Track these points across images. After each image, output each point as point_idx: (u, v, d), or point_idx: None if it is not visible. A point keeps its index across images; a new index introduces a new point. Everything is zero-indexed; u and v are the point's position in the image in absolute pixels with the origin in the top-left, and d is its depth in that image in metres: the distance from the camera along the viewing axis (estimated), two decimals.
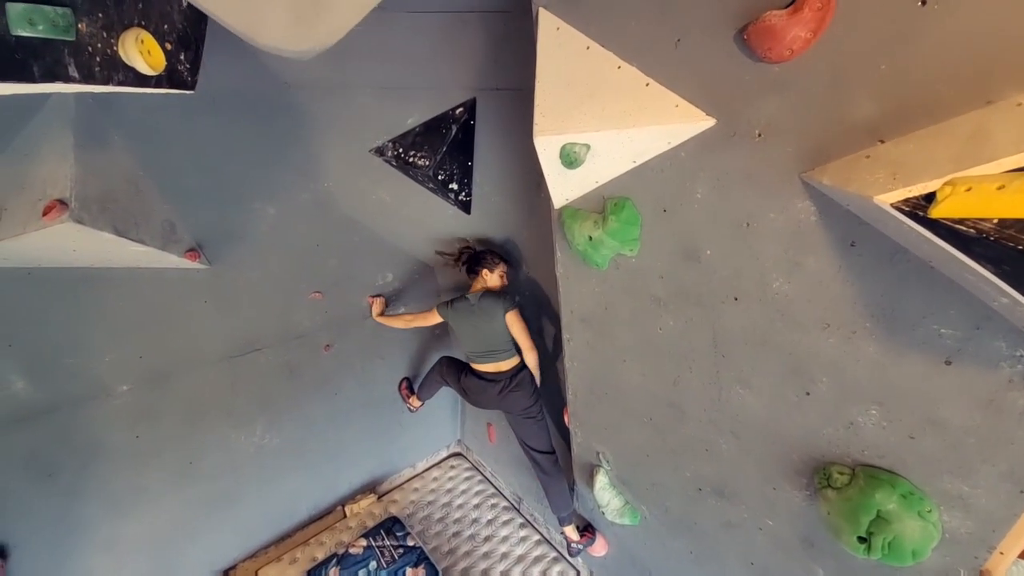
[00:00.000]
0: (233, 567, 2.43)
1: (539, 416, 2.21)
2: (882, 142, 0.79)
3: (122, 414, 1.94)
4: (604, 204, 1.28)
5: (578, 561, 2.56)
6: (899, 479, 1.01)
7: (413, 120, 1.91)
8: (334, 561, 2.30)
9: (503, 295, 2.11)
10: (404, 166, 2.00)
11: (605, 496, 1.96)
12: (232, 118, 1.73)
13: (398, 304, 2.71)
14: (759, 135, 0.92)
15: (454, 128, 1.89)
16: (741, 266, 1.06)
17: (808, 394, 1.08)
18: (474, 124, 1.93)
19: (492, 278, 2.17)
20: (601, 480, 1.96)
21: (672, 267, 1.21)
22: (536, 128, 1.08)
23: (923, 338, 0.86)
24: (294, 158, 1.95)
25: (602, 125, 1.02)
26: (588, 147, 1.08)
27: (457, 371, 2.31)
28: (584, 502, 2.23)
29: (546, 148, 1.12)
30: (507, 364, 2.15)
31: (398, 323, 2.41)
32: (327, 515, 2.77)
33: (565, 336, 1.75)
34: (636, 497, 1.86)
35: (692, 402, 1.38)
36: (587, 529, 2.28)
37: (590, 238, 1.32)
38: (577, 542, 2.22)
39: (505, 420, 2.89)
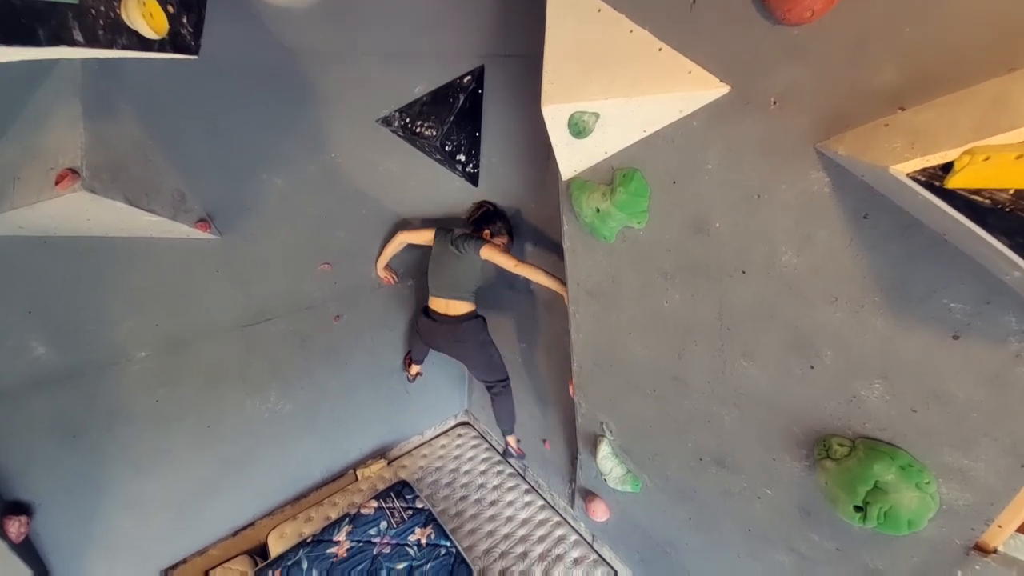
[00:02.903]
0: (251, 524, 2.55)
1: (488, 357, 2.32)
2: (902, 110, 0.76)
3: (142, 379, 2.01)
4: (613, 175, 1.26)
5: (581, 525, 2.65)
6: (899, 451, 1.02)
7: (420, 89, 1.87)
8: (347, 520, 2.41)
9: (478, 236, 2.13)
10: (411, 136, 1.97)
11: (607, 464, 2.01)
12: (237, 87, 1.71)
13: (406, 277, 2.73)
14: (774, 103, 0.89)
15: (461, 97, 1.85)
16: (750, 239, 1.05)
17: (812, 368, 1.09)
18: (482, 93, 1.89)
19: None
20: (604, 449, 2.01)
21: (680, 240, 1.20)
22: (544, 96, 1.06)
23: (932, 312, 0.85)
24: (300, 128, 1.93)
25: (612, 93, 1.00)
26: (597, 116, 1.06)
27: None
28: (587, 469, 2.29)
29: (554, 117, 1.09)
30: (457, 307, 2.21)
31: (392, 247, 2.43)
32: (340, 478, 2.88)
33: (571, 309, 1.76)
34: (638, 465, 1.91)
35: (696, 375, 1.39)
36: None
37: (598, 210, 1.31)
38: (515, 449, 2.74)
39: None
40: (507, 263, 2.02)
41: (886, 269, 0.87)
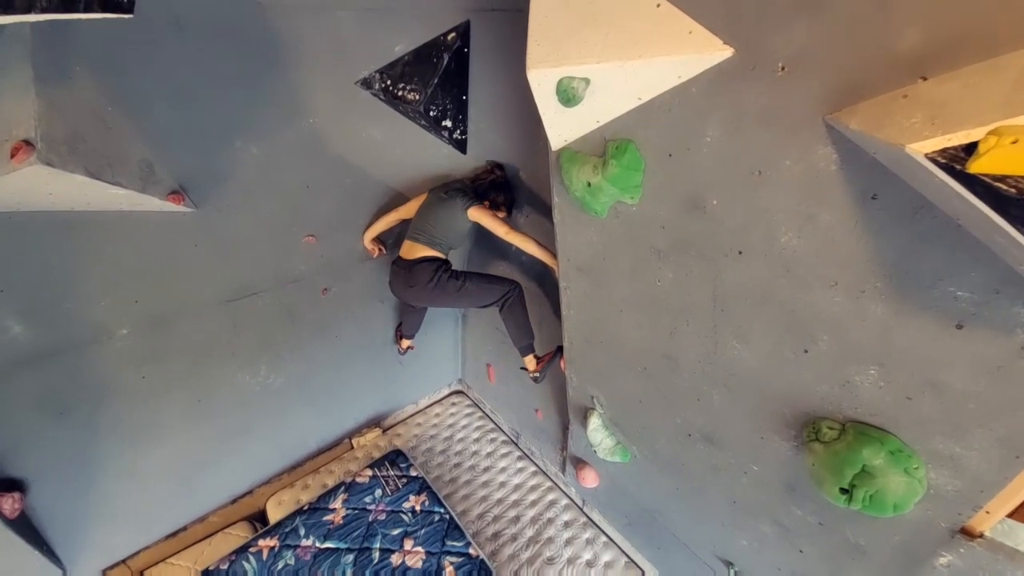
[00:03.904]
0: (250, 492, 2.61)
1: (458, 295, 2.12)
2: (924, 79, 0.68)
3: (126, 356, 1.98)
4: (605, 147, 1.17)
5: (571, 490, 2.72)
6: (889, 436, 1.00)
7: (401, 48, 1.73)
8: (342, 489, 2.46)
9: (474, 195, 2.02)
10: (393, 101, 1.85)
11: (598, 436, 2.03)
12: (202, 46, 1.58)
13: (395, 248, 2.65)
14: (782, 69, 0.80)
15: (446, 57, 1.72)
16: (748, 218, 0.99)
17: (806, 352, 1.05)
18: (468, 52, 1.76)
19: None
20: (594, 422, 2.01)
21: (675, 217, 1.13)
22: (529, 59, 0.96)
23: (936, 300, 0.80)
24: (274, 91, 1.81)
25: (605, 55, 0.90)
26: (587, 82, 0.96)
27: None
28: (577, 440, 2.32)
29: (541, 83, 1.00)
30: (417, 250, 2.08)
31: (384, 222, 2.34)
32: (335, 447, 2.92)
33: (562, 284, 1.71)
34: (627, 438, 1.93)
35: (687, 354, 1.36)
36: (545, 355, 2.32)
37: (588, 184, 1.23)
38: (534, 371, 2.31)
39: (504, 361, 2.97)
40: (498, 228, 1.93)
41: (891, 253, 0.82)
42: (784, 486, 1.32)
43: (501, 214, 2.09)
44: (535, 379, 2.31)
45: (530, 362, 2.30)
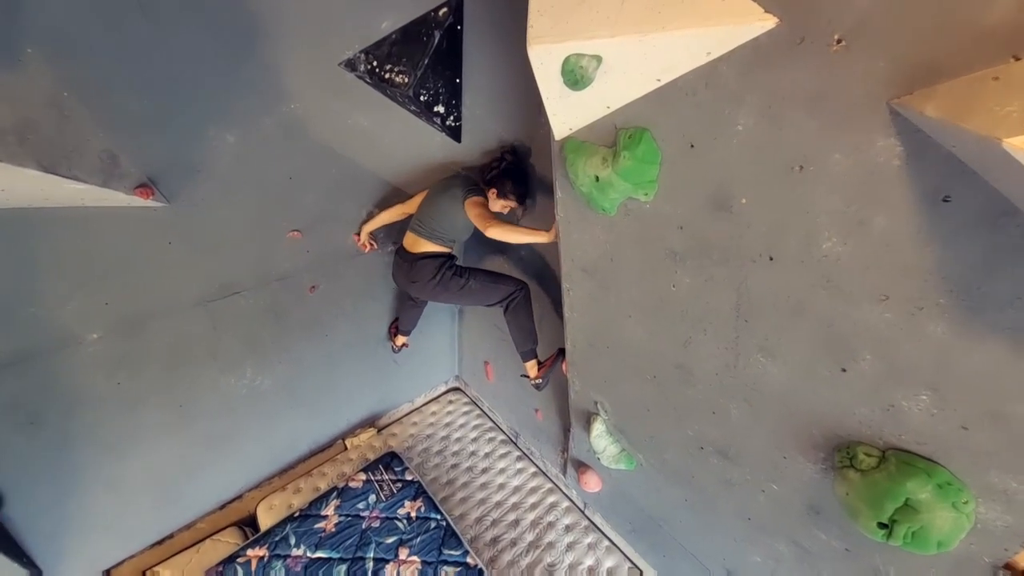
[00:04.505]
0: (239, 496, 2.51)
1: (461, 292, 2.05)
2: (1016, 59, 0.55)
3: (98, 362, 1.85)
4: (616, 136, 1.03)
5: (572, 492, 2.64)
6: (937, 468, 0.89)
7: (388, 24, 1.57)
8: (335, 494, 2.37)
9: (479, 188, 1.89)
10: (380, 84, 1.69)
11: (601, 443, 1.93)
12: (167, 24, 1.41)
13: (387, 243, 2.51)
14: (838, 42, 0.66)
15: (437, 35, 1.56)
16: (783, 220, 0.86)
17: (844, 371, 0.93)
18: (461, 29, 1.60)
19: (495, 203, 1.89)
20: (598, 428, 1.91)
21: (695, 217, 1.00)
22: (531, 33, 0.82)
23: (1013, 321, 0.68)
24: (249, 74, 1.64)
25: (619, 28, 0.76)
26: (599, 60, 0.82)
27: None
28: (580, 444, 2.22)
29: (544, 61, 0.86)
30: (421, 245, 2.00)
31: (387, 215, 2.21)
32: (328, 448, 2.82)
33: (565, 286, 1.58)
34: (633, 446, 1.82)
35: (703, 365, 1.24)
36: (547, 359, 2.19)
37: (597, 179, 1.10)
38: (536, 377, 2.19)
39: (503, 359, 2.86)
40: (480, 223, 1.77)
41: (962, 266, 0.69)
42: (807, 508, 1.21)
43: (508, 203, 1.91)
44: (537, 386, 2.19)
45: (532, 368, 2.18)
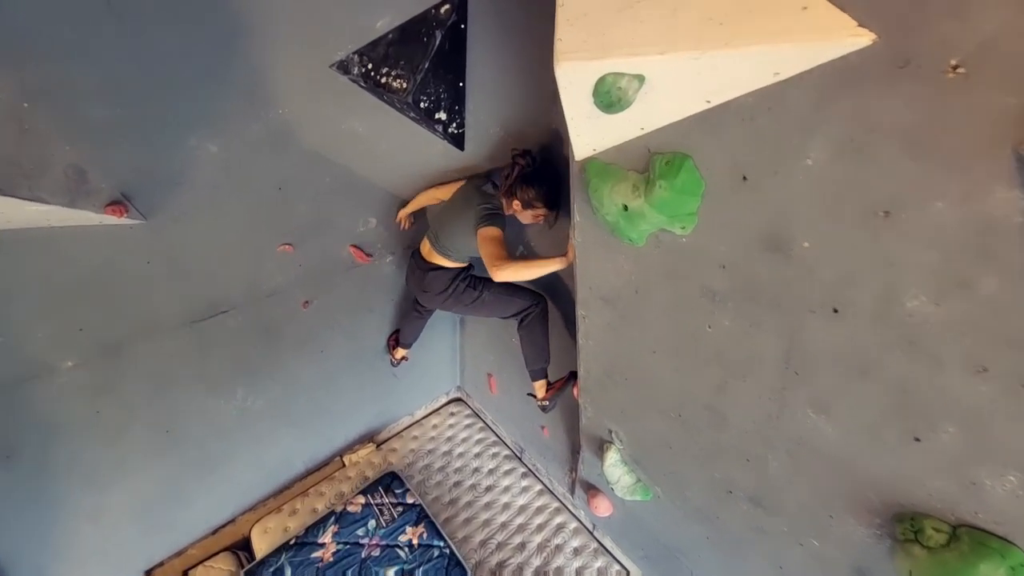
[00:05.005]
0: (232, 520, 2.40)
1: (475, 304, 1.94)
2: None
3: (75, 390, 1.72)
4: (649, 160, 0.89)
5: (581, 512, 2.53)
6: (1013, 549, 0.77)
7: (384, 24, 1.41)
8: (332, 519, 2.25)
9: (497, 214, 1.65)
10: (376, 88, 1.54)
11: (615, 473, 1.81)
12: (141, 24, 1.26)
13: (385, 252, 2.37)
14: (955, 68, 0.53)
15: (438, 35, 1.41)
16: (858, 270, 0.72)
17: (917, 440, 0.81)
18: (465, 28, 1.44)
19: (523, 215, 1.70)
20: (612, 457, 1.79)
21: (743, 257, 0.87)
22: (559, 48, 0.67)
23: None
24: (232, 77, 1.48)
25: (671, 44, 0.62)
26: (641, 80, 0.68)
27: None
28: (590, 467, 2.11)
29: (573, 80, 0.71)
30: (435, 258, 1.87)
31: (422, 199, 2.06)
32: (325, 466, 2.70)
33: (580, 312, 1.45)
34: (650, 479, 1.70)
35: (738, 411, 1.12)
36: (557, 381, 2.08)
37: (625, 208, 0.96)
38: (543, 398, 2.06)
39: (507, 372, 2.73)
40: (488, 263, 1.52)
41: None
42: (853, 570, 1.09)
43: (538, 212, 1.67)
44: (544, 408, 2.06)
45: (540, 388, 2.04)
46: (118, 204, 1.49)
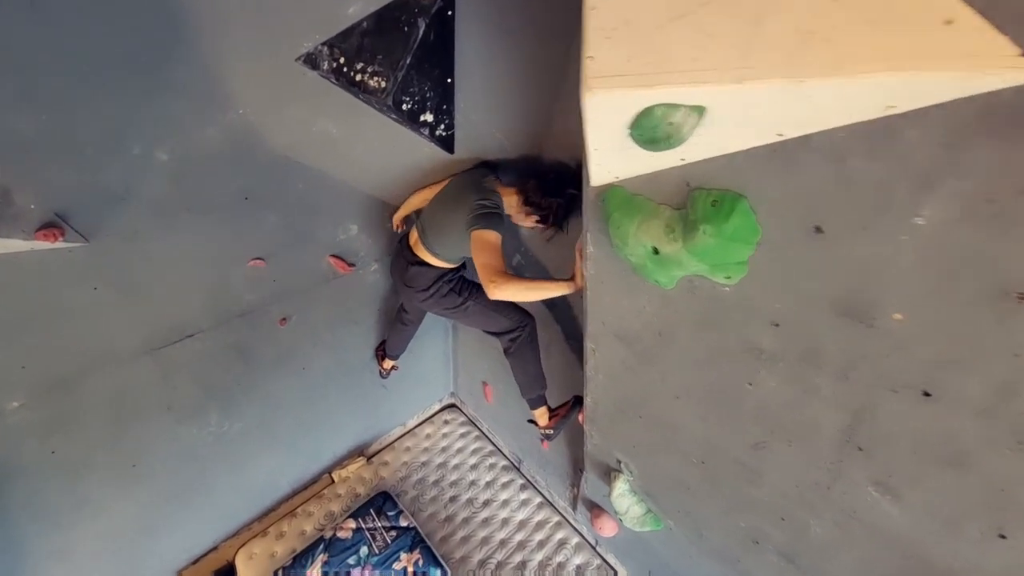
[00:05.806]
0: (215, 548, 2.26)
1: (455, 309, 1.73)
2: None
3: (24, 431, 1.53)
4: (689, 197, 0.72)
5: (583, 527, 2.44)
6: None
7: (356, 9, 1.19)
8: (321, 547, 2.12)
9: (496, 213, 1.45)
10: (350, 85, 1.32)
11: (624, 503, 1.69)
12: (66, 17, 1.03)
13: (369, 260, 2.17)
14: None
15: (421, 24, 1.19)
16: (968, 356, 0.57)
17: (1003, 537, 0.67)
18: (453, 15, 1.23)
19: (520, 217, 1.53)
20: (620, 487, 1.66)
21: (805, 318, 0.71)
22: (590, 69, 0.48)
23: None
24: (181, 76, 1.25)
25: (754, 69, 0.43)
26: (701, 112, 0.50)
27: None
28: (594, 488, 1.99)
29: (606, 111, 0.53)
30: (422, 253, 1.64)
31: (414, 201, 1.86)
32: (313, 484, 2.56)
33: (589, 344, 1.29)
34: (663, 512, 1.59)
35: (778, 473, 0.98)
36: (560, 407, 1.91)
37: (655, 251, 0.79)
38: (545, 427, 1.89)
39: (503, 381, 2.59)
40: (483, 276, 1.33)
41: None
42: None
43: (543, 228, 1.51)
44: (547, 436, 1.92)
45: (541, 416, 1.89)
46: (52, 227, 1.28)
